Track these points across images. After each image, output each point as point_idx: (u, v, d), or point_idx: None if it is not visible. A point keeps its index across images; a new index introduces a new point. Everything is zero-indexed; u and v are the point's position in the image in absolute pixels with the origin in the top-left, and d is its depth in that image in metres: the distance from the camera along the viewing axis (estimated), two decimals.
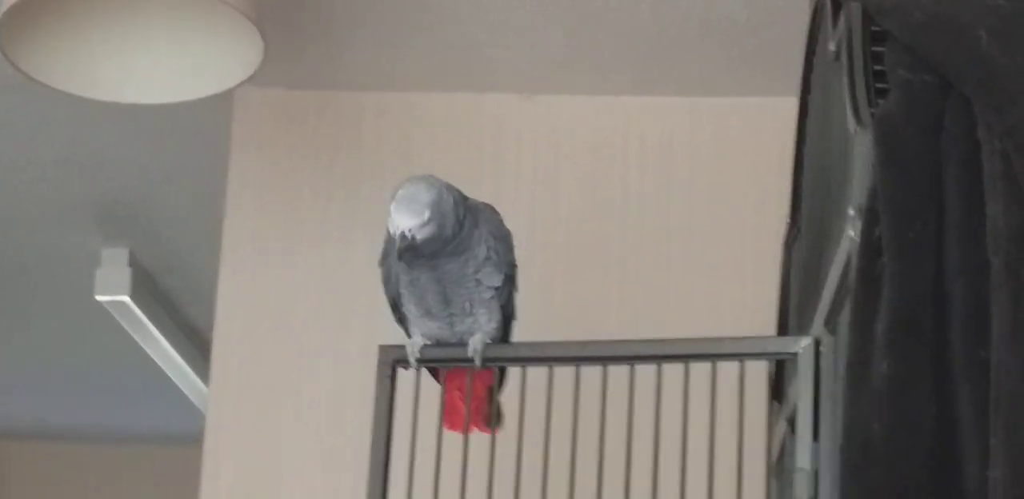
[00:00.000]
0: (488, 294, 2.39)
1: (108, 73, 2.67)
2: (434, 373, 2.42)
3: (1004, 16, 1.94)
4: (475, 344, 2.37)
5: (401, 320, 2.45)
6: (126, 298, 4.29)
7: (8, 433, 6.33)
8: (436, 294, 2.38)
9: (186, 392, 5.16)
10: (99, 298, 4.30)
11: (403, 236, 2.30)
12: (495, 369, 2.41)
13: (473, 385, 2.39)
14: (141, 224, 4.12)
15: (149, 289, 4.39)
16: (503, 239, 2.41)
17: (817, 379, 2.17)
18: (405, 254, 2.32)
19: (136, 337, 4.62)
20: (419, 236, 2.31)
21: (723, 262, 3.22)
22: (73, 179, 3.87)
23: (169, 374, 4.98)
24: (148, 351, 4.77)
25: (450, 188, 2.36)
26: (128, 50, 2.67)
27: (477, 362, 2.37)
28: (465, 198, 2.38)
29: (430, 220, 2.31)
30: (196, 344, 4.72)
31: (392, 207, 2.32)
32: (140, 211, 4.05)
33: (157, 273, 4.38)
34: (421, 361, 2.38)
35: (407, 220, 2.30)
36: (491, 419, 2.40)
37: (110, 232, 4.16)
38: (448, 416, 2.39)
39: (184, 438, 5.21)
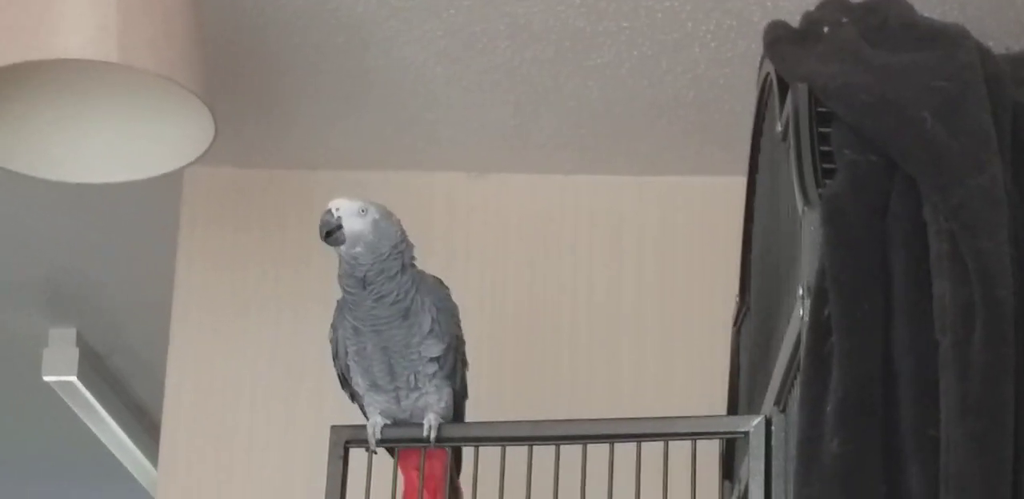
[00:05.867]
0: (431, 368, 2.39)
1: (56, 152, 2.66)
2: (390, 450, 2.41)
3: (947, 98, 1.97)
4: (430, 422, 2.37)
5: (353, 396, 2.45)
6: (73, 378, 4.26)
7: None
8: (382, 364, 2.38)
9: (134, 473, 5.11)
10: (46, 378, 4.26)
11: (329, 212, 2.29)
12: (448, 449, 2.40)
13: (430, 465, 2.38)
14: (89, 304, 4.09)
15: (97, 369, 4.36)
16: (446, 311, 2.40)
17: (768, 458, 2.17)
18: (328, 238, 2.29)
19: (84, 418, 4.58)
20: (346, 224, 2.29)
21: (673, 341, 3.22)
22: (20, 259, 3.85)
23: (117, 455, 4.93)
24: (96, 432, 4.72)
25: (399, 225, 2.36)
26: (76, 129, 2.66)
27: (431, 440, 2.36)
28: (413, 259, 2.38)
29: (366, 214, 2.30)
30: (144, 424, 4.68)
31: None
32: (87, 291, 4.02)
33: (105, 353, 4.35)
34: (378, 442, 2.37)
35: (343, 201, 2.30)
36: None
37: (57, 312, 4.13)
38: (406, 497, 2.38)
39: None
